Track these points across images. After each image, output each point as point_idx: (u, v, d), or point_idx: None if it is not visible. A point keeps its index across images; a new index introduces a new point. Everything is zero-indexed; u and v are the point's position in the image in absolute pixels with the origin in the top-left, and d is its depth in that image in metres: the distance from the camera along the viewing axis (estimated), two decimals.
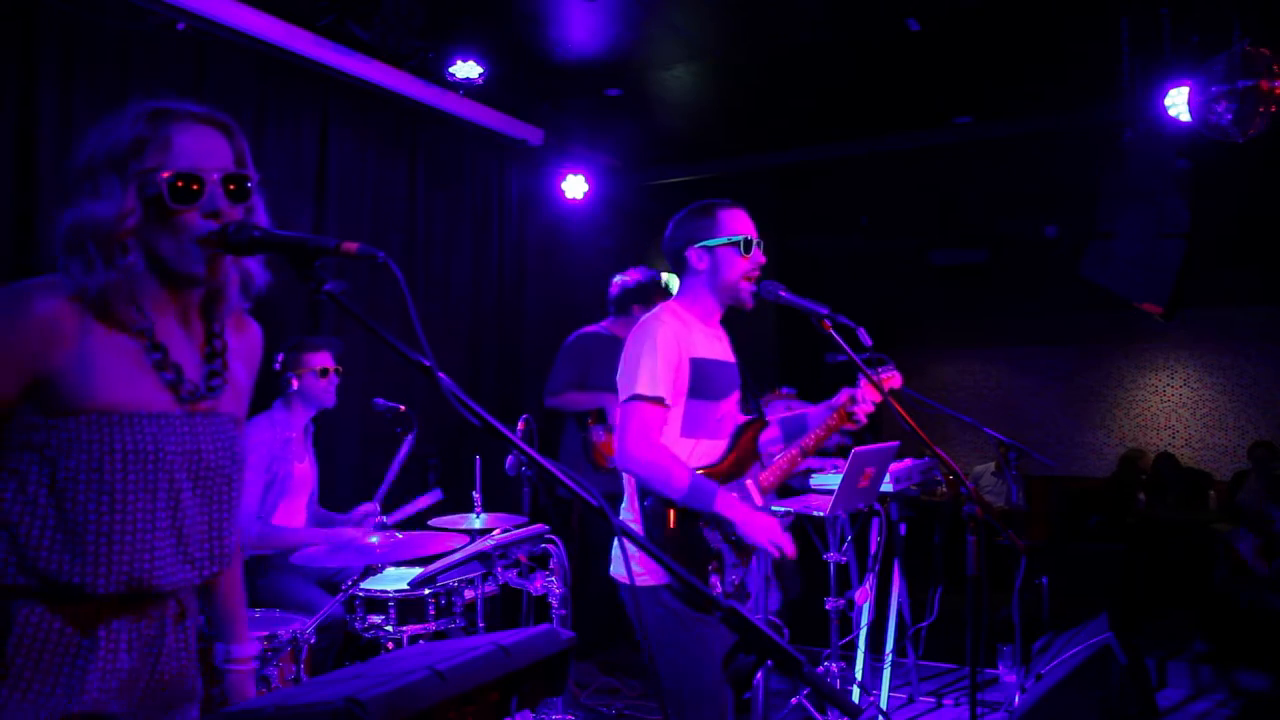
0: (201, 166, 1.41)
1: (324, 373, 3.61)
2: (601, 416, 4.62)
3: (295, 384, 3.60)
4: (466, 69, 4.65)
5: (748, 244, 2.54)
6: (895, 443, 3.66)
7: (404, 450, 3.71)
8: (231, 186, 1.43)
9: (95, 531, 1.33)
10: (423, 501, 3.75)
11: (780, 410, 4.79)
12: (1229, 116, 3.91)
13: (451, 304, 5.23)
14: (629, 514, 2.52)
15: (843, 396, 2.68)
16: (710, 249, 2.55)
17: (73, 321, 1.35)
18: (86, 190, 1.39)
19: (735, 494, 2.49)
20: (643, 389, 2.41)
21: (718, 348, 2.60)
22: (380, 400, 3.83)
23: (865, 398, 2.66)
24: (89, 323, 1.37)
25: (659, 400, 2.42)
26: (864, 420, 2.67)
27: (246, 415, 1.69)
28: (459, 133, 5.27)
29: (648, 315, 2.56)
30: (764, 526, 2.42)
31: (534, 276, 5.87)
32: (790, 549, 2.44)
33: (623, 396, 2.46)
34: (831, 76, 5.19)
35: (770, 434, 2.75)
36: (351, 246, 1.29)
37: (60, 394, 1.34)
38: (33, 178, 3.38)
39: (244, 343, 1.61)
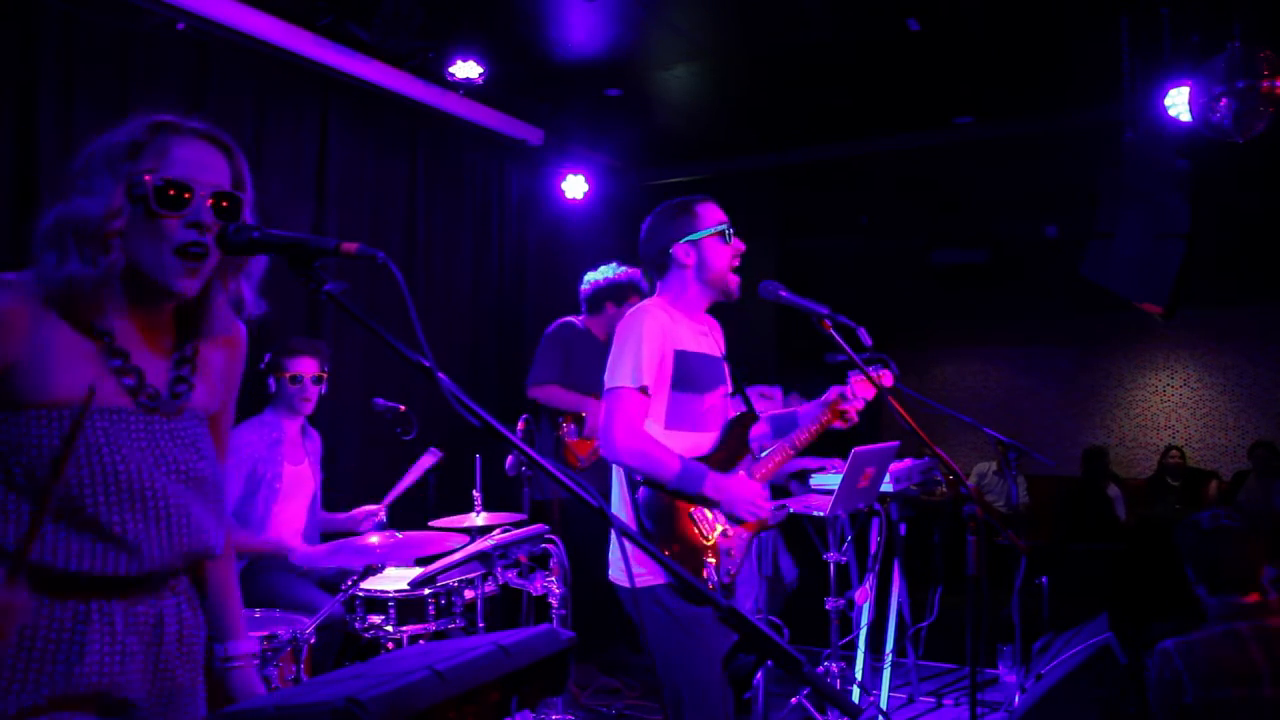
0: (194, 178, 1.42)
1: (295, 380, 3.56)
2: (579, 420, 4.61)
3: (273, 386, 3.60)
4: (466, 69, 4.65)
5: (729, 233, 2.60)
6: (895, 443, 3.66)
7: (421, 466, 3.68)
8: (224, 204, 1.44)
9: (54, 521, 1.34)
10: (420, 465, 3.70)
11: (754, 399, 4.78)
12: (1229, 116, 3.91)
13: (451, 304, 5.23)
14: (620, 510, 2.52)
15: (833, 394, 2.69)
16: (695, 242, 2.59)
17: (28, 316, 1.35)
18: (79, 188, 1.40)
19: (725, 475, 2.51)
20: (626, 380, 2.44)
21: (704, 342, 2.62)
22: (380, 400, 3.82)
23: (857, 394, 2.68)
24: (48, 320, 1.37)
25: (643, 390, 2.45)
26: (855, 418, 2.69)
27: (234, 417, 1.69)
28: (459, 133, 5.27)
29: (635, 308, 2.58)
30: (745, 499, 2.46)
31: (534, 276, 5.87)
32: (767, 515, 2.49)
33: (607, 386, 2.48)
34: (831, 76, 5.19)
35: (759, 429, 2.76)
36: (351, 247, 1.29)
37: (12, 387, 1.34)
38: (33, 178, 3.38)
39: (224, 349, 1.60)
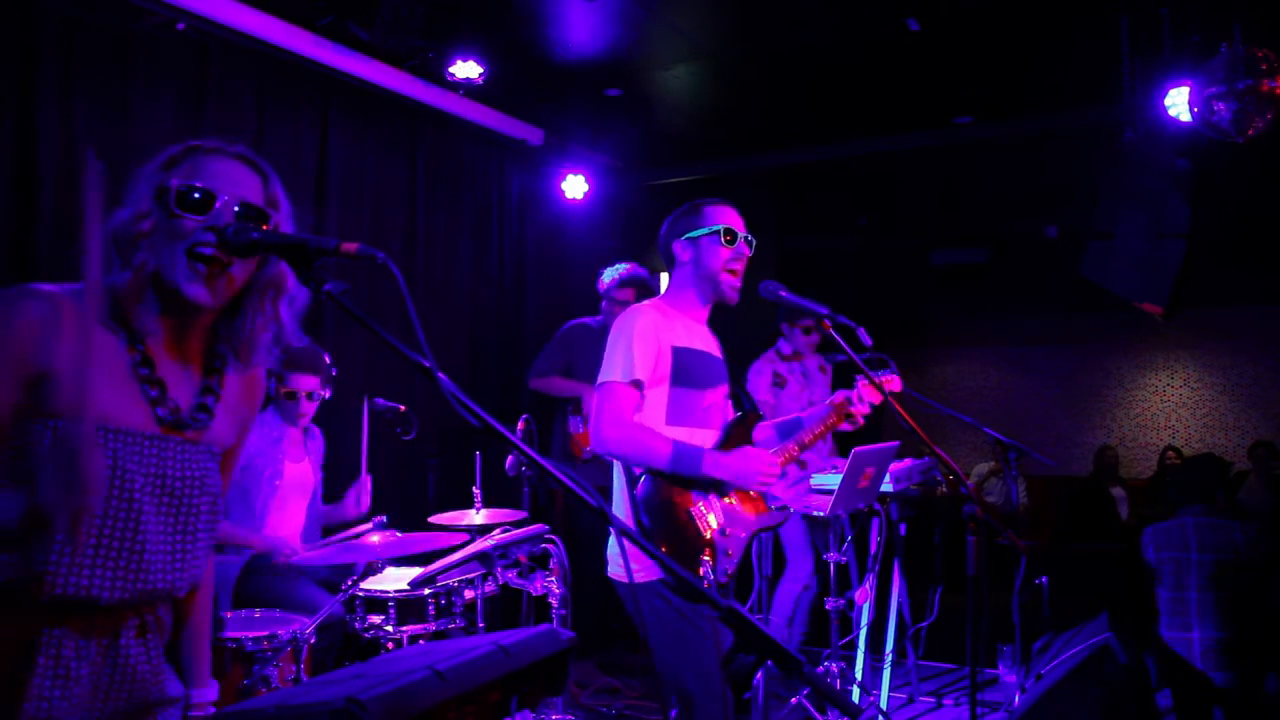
0: (220, 188, 1.43)
1: (290, 395, 3.57)
2: (578, 406, 4.72)
3: (272, 390, 3.60)
4: (466, 69, 4.65)
5: (730, 233, 2.58)
6: (895, 443, 3.66)
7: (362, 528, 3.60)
8: (247, 216, 1.45)
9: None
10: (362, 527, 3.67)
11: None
12: (1229, 116, 3.91)
13: (451, 304, 5.23)
14: (619, 505, 2.53)
15: (839, 397, 2.70)
16: (694, 240, 2.60)
17: (60, 327, 1.35)
18: (123, 202, 1.44)
19: (723, 453, 2.49)
20: (617, 374, 2.46)
21: (701, 341, 2.63)
22: (380, 400, 3.83)
23: (863, 398, 2.70)
24: (83, 328, 1.36)
25: (633, 384, 2.46)
26: (861, 421, 2.71)
27: (239, 445, 1.66)
28: (459, 133, 5.27)
29: (631, 308, 2.60)
30: (753, 469, 2.46)
31: (534, 276, 5.87)
32: (776, 476, 2.49)
33: (598, 382, 2.50)
34: (831, 76, 5.19)
35: (764, 434, 2.77)
36: (351, 247, 1.29)
37: (42, 396, 1.34)
38: (33, 178, 3.38)
39: (250, 388, 1.60)
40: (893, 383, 2.75)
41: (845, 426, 2.73)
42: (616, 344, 2.50)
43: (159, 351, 1.45)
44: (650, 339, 2.48)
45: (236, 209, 1.43)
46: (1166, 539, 3.81)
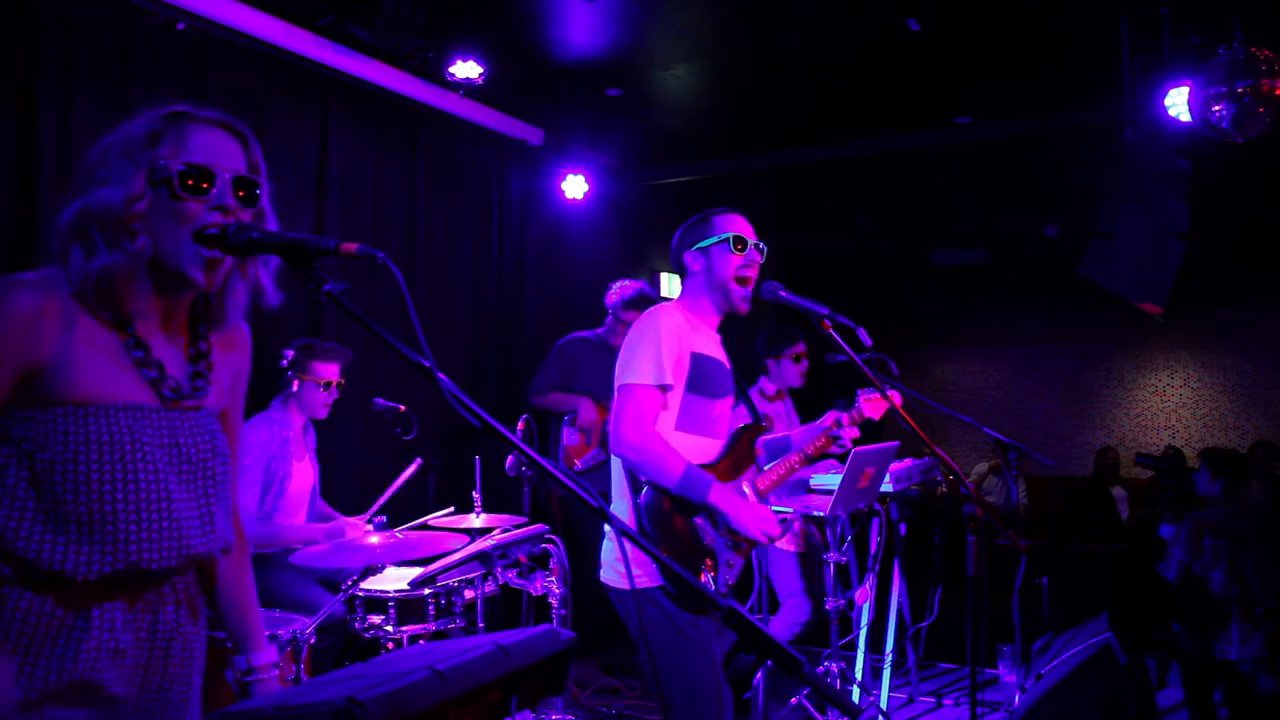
0: (215, 164, 1.42)
1: (326, 385, 3.62)
2: (575, 418, 4.73)
3: (295, 386, 3.61)
4: (466, 69, 4.65)
5: (739, 240, 2.57)
6: (895, 443, 3.66)
7: (407, 472, 3.71)
8: (241, 192, 1.44)
9: (75, 520, 1.35)
10: (403, 476, 3.74)
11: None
12: (1228, 117, 3.91)
13: (451, 304, 5.23)
14: (620, 510, 2.51)
15: (829, 419, 2.70)
16: (705, 250, 2.59)
17: (53, 316, 1.36)
18: (98, 179, 1.40)
19: (730, 488, 2.48)
20: (643, 376, 2.42)
21: (715, 349, 2.62)
22: (380, 400, 3.83)
23: (864, 413, 2.71)
24: (72, 318, 1.37)
25: (659, 387, 2.43)
26: (848, 445, 2.71)
27: (243, 413, 1.69)
28: (459, 133, 5.27)
29: (652, 309, 2.58)
30: (756, 517, 2.43)
31: (534, 276, 5.87)
32: (777, 532, 2.47)
33: (620, 382, 2.46)
34: (831, 76, 5.19)
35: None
36: (351, 247, 1.29)
37: (39, 387, 1.35)
38: (33, 178, 3.37)
39: (231, 342, 1.61)
40: (893, 397, 2.74)
41: (833, 449, 2.73)
42: (642, 345, 2.45)
43: (149, 330, 1.46)
44: (674, 342, 2.46)
45: (232, 186, 1.43)
46: (1224, 524, 4.12)
